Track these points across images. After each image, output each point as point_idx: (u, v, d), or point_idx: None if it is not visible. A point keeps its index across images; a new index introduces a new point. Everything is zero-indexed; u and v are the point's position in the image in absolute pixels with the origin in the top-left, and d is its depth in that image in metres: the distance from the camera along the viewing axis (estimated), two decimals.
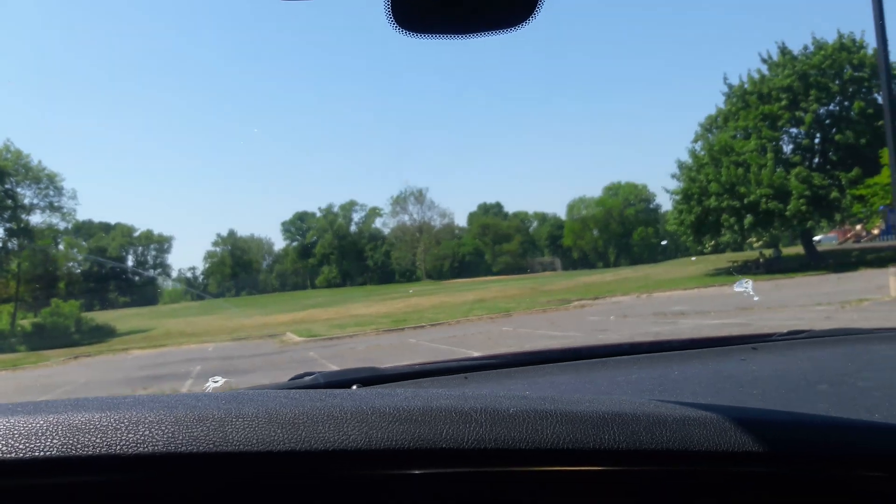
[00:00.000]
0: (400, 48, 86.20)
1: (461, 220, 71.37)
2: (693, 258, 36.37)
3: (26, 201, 38.90)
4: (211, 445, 0.56)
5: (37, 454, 0.55)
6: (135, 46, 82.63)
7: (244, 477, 0.57)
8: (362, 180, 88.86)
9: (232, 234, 67.08)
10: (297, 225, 69.44)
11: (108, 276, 52.05)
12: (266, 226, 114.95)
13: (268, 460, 0.56)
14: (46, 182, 39.47)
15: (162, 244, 59.85)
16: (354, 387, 1.19)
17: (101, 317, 33.30)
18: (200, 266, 67.20)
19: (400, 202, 63.59)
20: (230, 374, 10.98)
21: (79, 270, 47.76)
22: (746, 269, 28.05)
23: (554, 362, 1.40)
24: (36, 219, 39.77)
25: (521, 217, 72.23)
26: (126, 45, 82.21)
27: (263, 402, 0.62)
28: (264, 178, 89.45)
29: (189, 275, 66.18)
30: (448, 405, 0.62)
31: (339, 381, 1.25)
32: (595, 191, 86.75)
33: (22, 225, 38.37)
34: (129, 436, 0.56)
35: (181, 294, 60.60)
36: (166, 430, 0.57)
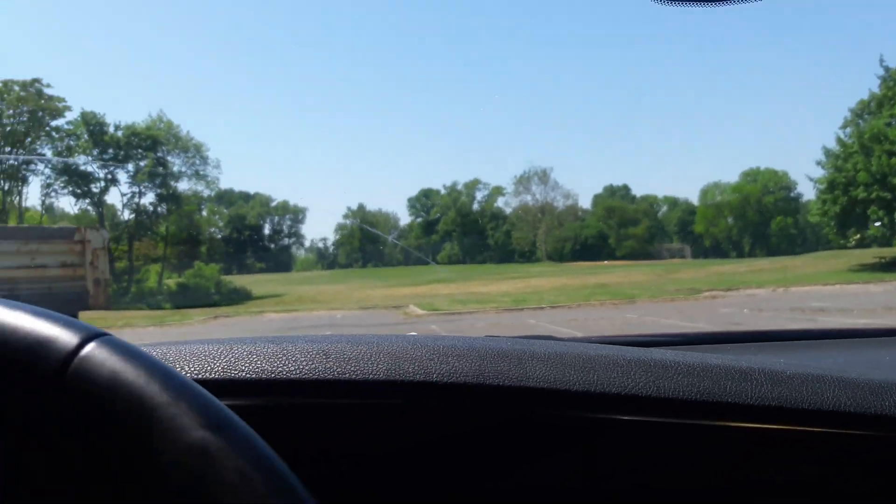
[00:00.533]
0: (525, 26, 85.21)
1: (585, 202, 70.08)
2: (836, 251, 33.98)
3: (175, 169, 42.01)
4: (513, 380, 0.61)
5: (368, 377, 0.61)
6: (281, 23, 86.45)
7: (539, 412, 0.61)
8: (486, 158, 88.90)
9: (361, 207, 69.31)
10: (422, 201, 70.67)
11: (246, 243, 55.31)
12: (393, 201, 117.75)
13: (562, 398, 0.60)
14: (193, 151, 42.42)
15: (297, 214, 62.72)
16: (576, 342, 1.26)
17: (238, 280, 35.40)
18: (331, 237, 70.06)
19: (523, 181, 63.28)
20: None
21: (220, 236, 51.10)
22: (894, 267, 25.93)
23: (748, 342, 1.40)
24: (183, 186, 42.86)
25: (650, 201, 69.93)
26: (275, 20, 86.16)
27: (549, 347, 0.68)
28: (393, 153, 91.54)
29: (320, 245, 69.11)
30: (724, 363, 0.66)
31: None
32: (731, 176, 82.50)
33: (171, 191, 41.51)
34: (442, 366, 0.62)
35: (313, 263, 63.49)
36: (473, 363, 0.62)
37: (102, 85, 71.00)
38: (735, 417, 0.61)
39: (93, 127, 39.93)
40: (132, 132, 40.62)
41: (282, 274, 49.99)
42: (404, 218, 73.32)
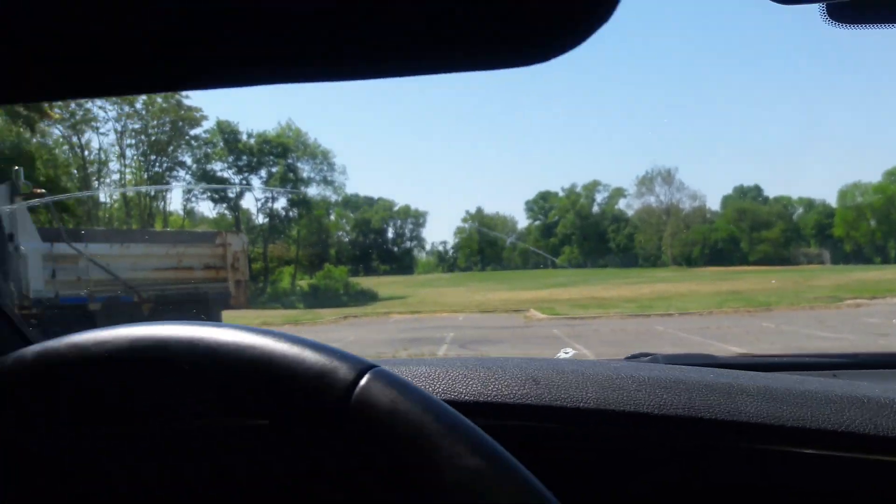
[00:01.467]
0: (644, 20, 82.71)
1: (714, 204, 67.15)
2: None
3: (304, 175, 44.09)
4: (725, 414, 0.61)
5: (579, 405, 0.63)
6: None
7: (747, 447, 0.60)
8: (606, 159, 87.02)
9: (479, 211, 69.75)
10: (540, 204, 70.17)
11: (371, 246, 57.05)
12: (511, 204, 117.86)
13: (775, 434, 0.60)
14: (321, 158, 44.42)
15: (418, 218, 64.05)
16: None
17: (365, 282, 36.53)
18: (451, 240, 71.00)
19: (646, 183, 61.43)
20: (481, 344, 11.56)
21: (347, 239, 53.07)
22: None
23: None
24: (312, 191, 44.94)
25: (784, 202, 65.97)
26: None
27: (753, 379, 0.67)
28: (510, 156, 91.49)
29: (440, 248, 70.18)
30: (870, 394, 0.64)
31: (683, 364, 1.26)
32: (873, 175, 76.52)
33: (301, 196, 43.58)
34: (650, 397, 0.63)
35: (433, 265, 64.53)
36: (682, 395, 0.63)
37: (235, 94, 75.52)
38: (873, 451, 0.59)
39: (227, 135, 42.57)
40: (264, 140, 42.98)
41: (404, 276, 51.17)
42: (522, 221, 73.08)
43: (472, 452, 0.39)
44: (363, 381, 0.42)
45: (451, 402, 0.61)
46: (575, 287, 31.18)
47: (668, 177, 60.50)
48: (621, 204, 65.52)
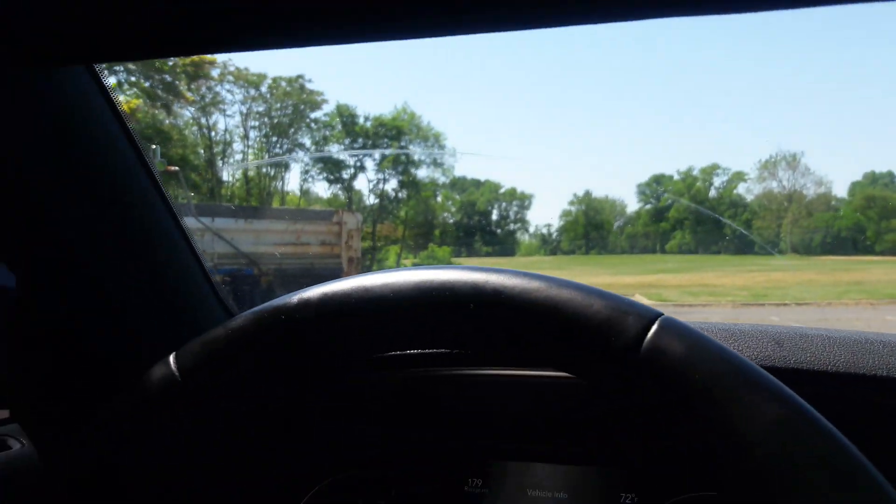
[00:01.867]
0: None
1: (840, 191, 63.06)
2: None
3: (415, 157, 44.83)
4: (878, 369, 0.65)
5: (828, 368, 0.66)
6: None
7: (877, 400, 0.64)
8: (728, 142, 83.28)
9: (587, 194, 68.50)
10: (653, 188, 68.12)
11: (475, 228, 57.38)
12: (621, 187, 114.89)
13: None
14: (433, 141, 45.04)
15: (523, 201, 63.72)
16: None
17: (466, 263, 36.76)
18: (555, 223, 70.22)
19: (769, 167, 58.40)
20: None
21: (451, 221, 53.62)
22: None
23: None
24: (422, 173, 45.67)
25: None
26: None
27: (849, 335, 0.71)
28: (623, 138, 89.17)
29: (544, 230, 69.57)
30: None
31: None
32: None
33: (411, 178, 44.37)
34: (823, 354, 0.67)
35: (536, 248, 64.16)
36: (846, 351, 0.67)
37: (355, 79, 77.41)
38: None
39: (346, 119, 43.81)
40: (380, 123, 43.97)
41: (507, 258, 51.15)
42: (632, 205, 71.25)
43: (773, 402, 0.38)
44: (654, 329, 0.42)
45: (791, 370, 0.68)
46: (685, 273, 30.25)
47: (793, 161, 57.31)
48: (741, 188, 62.68)
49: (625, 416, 0.69)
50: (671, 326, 0.42)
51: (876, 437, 0.63)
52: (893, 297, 17.37)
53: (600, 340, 0.42)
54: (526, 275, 0.47)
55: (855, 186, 61.91)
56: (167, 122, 32.81)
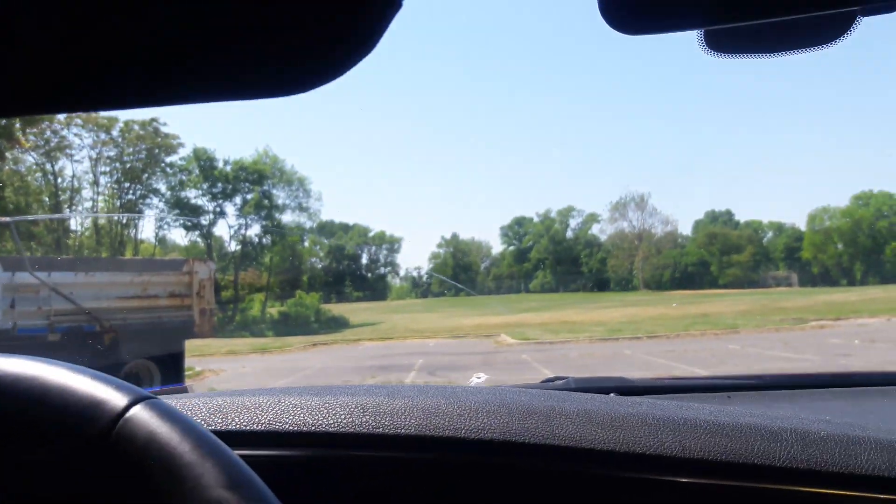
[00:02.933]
0: (614, 48, 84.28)
1: (685, 228, 67.89)
2: None
3: (279, 202, 43.98)
4: (540, 438, 0.62)
5: (399, 432, 0.64)
6: (373, 59, 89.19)
7: (566, 470, 0.61)
8: (581, 184, 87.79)
9: (455, 236, 69.94)
10: (515, 230, 70.56)
11: (345, 272, 56.84)
12: (485, 229, 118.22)
13: (589, 457, 0.61)
14: (297, 185, 44.42)
15: (392, 244, 64.01)
16: (612, 394, 1.26)
17: (336, 309, 36.38)
18: (425, 266, 70.97)
19: (619, 208, 62.10)
20: (450, 371, 11.56)
21: (320, 266, 52.82)
22: None
23: (824, 387, 1.33)
24: (287, 218, 44.85)
25: (754, 226, 67.01)
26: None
27: (580, 402, 0.68)
28: (486, 182, 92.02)
29: (415, 273, 70.09)
30: (754, 422, 0.65)
31: (593, 388, 1.29)
32: (842, 200, 77.84)
33: (275, 223, 43.45)
34: (471, 422, 0.63)
35: (407, 291, 64.38)
36: (502, 420, 0.63)
37: (212, 121, 75.29)
38: (759, 480, 0.59)
39: (203, 162, 42.36)
40: (240, 167, 42.84)
41: (378, 302, 51.00)
42: (496, 246, 73.32)
43: (220, 484, 0.39)
44: (131, 412, 0.42)
45: (274, 433, 0.64)
46: (547, 311, 31.32)
47: (641, 202, 61.30)
48: (595, 229, 66.20)
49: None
50: (152, 407, 0.43)
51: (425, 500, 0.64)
52: (735, 327, 18.75)
53: (81, 423, 0.42)
54: (31, 360, 0.47)
55: (698, 224, 67.14)
56: (7, 168, 30.36)
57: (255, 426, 0.65)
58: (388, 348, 18.00)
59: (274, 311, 35.77)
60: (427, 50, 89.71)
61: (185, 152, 42.01)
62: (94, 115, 36.00)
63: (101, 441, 0.42)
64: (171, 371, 10.13)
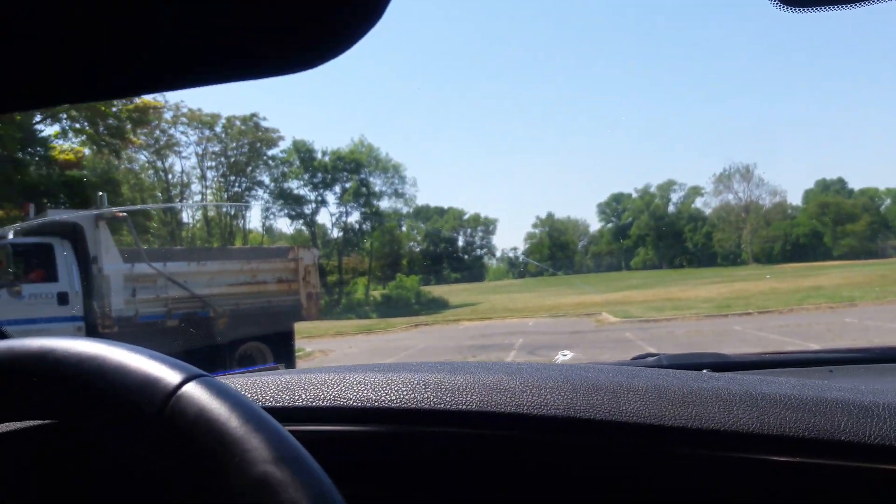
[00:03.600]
0: (715, 11, 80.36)
1: (795, 199, 64.43)
2: None
3: (376, 189, 44.92)
4: (606, 414, 0.60)
5: (461, 407, 0.64)
6: (466, 39, 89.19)
7: (633, 447, 0.60)
8: (681, 158, 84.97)
9: (550, 216, 69.22)
10: (612, 206, 69.09)
11: (442, 255, 57.44)
12: (582, 207, 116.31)
13: (657, 434, 0.59)
14: (392, 171, 45.23)
15: (488, 226, 64.08)
16: (704, 371, 1.18)
17: (436, 290, 36.87)
18: (521, 246, 70.69)
19: (723, 180, 59.61)
20: (551, 349, 11.49)
21: (418, 249, 53.63)
22: None
23: None
24: (384, 204, 45.74)
25: (870, 194, 62.73)
26: (459, 39, 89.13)
27: (649, 378, 0.67)
28: (580, 160, 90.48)
29: (511, 254, 69.94)
30: (842, 397, 0.61)
31: (686, 364, 1.25)
32: None
33: (374, 209, 44.40)
34: (533, 398, 0.63)
35: (504, 272, 64.39)
36: (566, 396, 0.63)
37: (310, 113, 77.52)
38: (850, 457, 0.56)
39: (303, 154, 43.76)
40: (337, 157, 44.00)
41: (475, 284, 51.27)
42: (594, 224, 72.06)
43: (267, 460, 0.40)
44: (183, 389, 0.43)
45: (338, 409, 0.65)
46: (650, 288, 30.55)
47: (746, 173, 58.63)
48: (698, 202, 63.87)
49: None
50: (205, 385, 0.44)
51: (489, 476, 0.64)
52: (852, 300, 17.69)
53: (136, 401, 0.44)
54: (91, 341, 0.48)
55: (808, 194, 63.48)
56: (122, 167, 32.41)
57: (319, 402, 0.66)
58: (488, 328, 18.08)
59: (377, 293, 36.66)
60: (519, 27, 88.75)
61: (285, 145, 43.45)
62: (197, 112, 37.89)
63: (156, 417, 0.43)
64: (283, 352, 10.58)
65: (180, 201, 41.18)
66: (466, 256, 62.49)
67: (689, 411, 0.60)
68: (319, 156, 44.24)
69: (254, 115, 39.67)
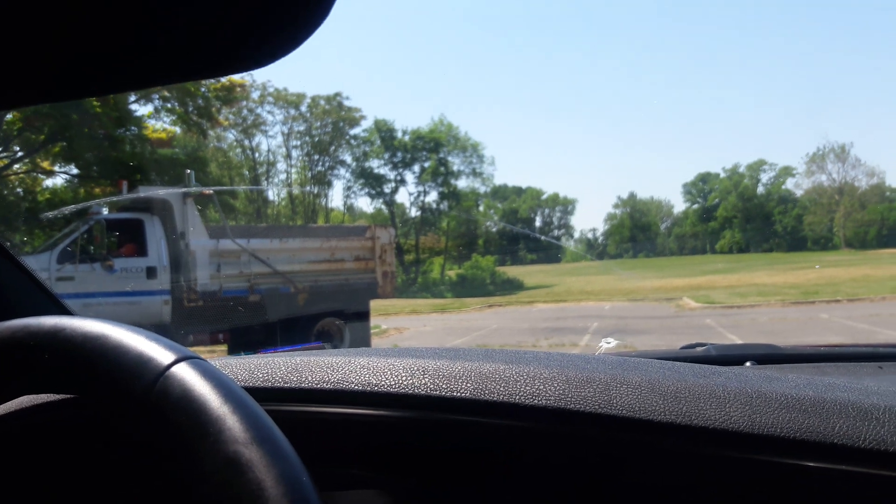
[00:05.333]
0: None
1: (894, 181, 60.75)
2: None
3: (455, 168, 45.03)
4: (596, 406, 0.61)
5: (455, 395, 0.66)
6: (546, 19, 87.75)
7: (620, 438, 0.61)
8: (772, 137, 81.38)
9: (632, 196, 67.79)
10: (699, 187, 66.92)
11: (518, 236, 57.17)
12: (667, 187, 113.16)
13: (646, 428, 0.60)
14: (471, 150, 45.18)
15: (566, 206, 63.39)
16: (748, 364, 1.19)
17: (511, 271, 36.75)
18: (600, 227, 69.57)
19: (817, 160, 56.69)
20: (625, 334, 11.33)
21: (494, 229, 53.52)
22: None
23: None
24: (461, 183, 45.82)
25: None
26: (540, 17, 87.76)
27: (647, 372, 0.67)
28: (666, 138, 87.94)
29: (589, 235, 68.98)
30: (843, 398, 0.61)
31: (733, 357, 1.25)
32: None
33: (451, 189, 44.52)
34: (526, 388, 0.64)
35: (582, 254, 63.58)
36: (558, 387, 0.64)
37: (391, 93, 78.17)
38: (843, 460, 0.55)
39: (384, 133, 44.25)
40: (417, 136, 44.29)
41: (552, 265, 50.78)
42: (678, 205, 70.05)
43: (239, 440, 0.41)
44: (172, 369, 0.45)
45: (340, 392, 0.68)
46: (734, 273, 29.54)
47: (841, 153, 55.58)
48: (789, 183, 61.08)
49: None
50: (193, 366, 0.46)
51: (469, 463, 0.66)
52: None
53: (128, 377, 0.46)
54: (96, 321, 0.50)
55: None
56: (211, 145, 33.62)
57: (324, 385, 0.69)
58: (562, 311, 17.93)
59: (452, 273, 36.86)
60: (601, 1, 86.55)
61: (366, 124, 44.02)
62: (283, 91, 38.84)
63: (144, 395, 0.45)
64: (358, 329, 10.85)
65: (266, 180, 42.46)
66: (543, 237, 62.06)
67: (681, 407, 0.60)
68: (400, 135, 44.66)
69: (337, 94, 40.38)
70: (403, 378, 0.68)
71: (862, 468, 0.54)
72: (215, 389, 0.44)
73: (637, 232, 63.40)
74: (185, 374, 0.45)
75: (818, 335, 10.32)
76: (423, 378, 0.68)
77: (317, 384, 0.69)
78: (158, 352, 0.47)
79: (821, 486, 0.56)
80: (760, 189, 62.34)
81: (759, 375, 0.69)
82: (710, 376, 0.67)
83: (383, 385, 0.68)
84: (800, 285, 20.79)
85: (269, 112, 39.81)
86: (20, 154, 18.20)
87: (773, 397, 0.60)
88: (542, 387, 0.64)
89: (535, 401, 0.63)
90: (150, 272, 9.34)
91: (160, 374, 0.45)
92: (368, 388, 0.68)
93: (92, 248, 9.20)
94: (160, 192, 10.69)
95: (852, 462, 0.55)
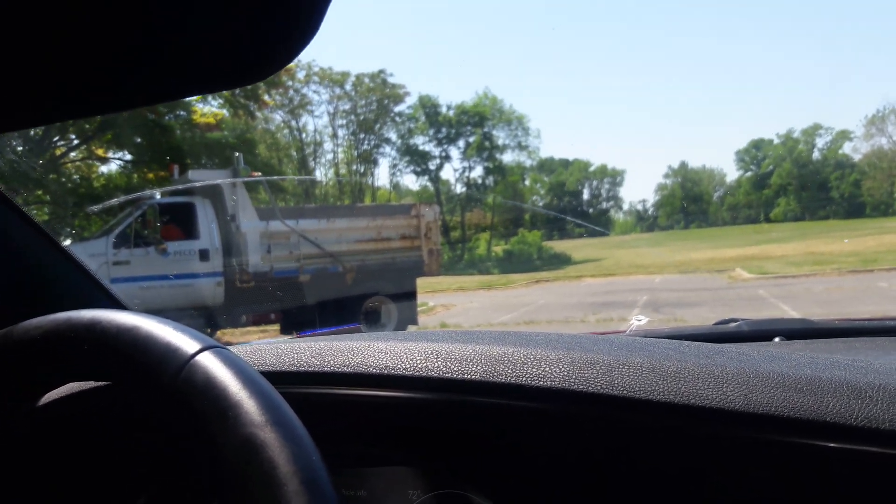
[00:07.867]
0: None
1: None
2: None
3: (500, 142, 44.74)
4: (598, 387, 0.64)
5: (466, 377, 0.68)
6: None
7: (622, 418, 0.63)
8: (828, 100, 78.39)
9: (683, 165, 66.30)
10: (752, 154, 64.99)
11: (567, 209, 56.64)
12: (718, 155, 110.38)
13: (645, 408, 0.62)
14: (516, 124, 44.79)
15: (615, 178, 62.32)
16: (777, 339, 1.20)
17: (558, 246, 36.42)
18: (650, 198, 68.42)
19: (876, 122, 54.32)
20: (676, 307, 11.19)
21: (541, 203, 53.19)
22: None
23: None
24: (507, 157, 45.52)
25: None
26: None
27: (651, 353, 0.69)
28: (716, 104, 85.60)
29: (639, 207, 67.89)
30: (839, 376, 0.62)
31: (763, 332, 1.25)
32: None
33: (496, 163, 44.31)
34: (534, 370, 0.67)
35: (631, 226, 62.64)
36: (563, 369, 0.66)
37: (435, 68, 77.83)
38: (835, 438, 0.56)
39: (428, 109, 44.13)
40: (462, 111, 44.07)
41: (600, 238, 50.22)
42: (731, 173, 68.28)
43: (254, 423, 0.44)
44: (197, 358, 0.49)
45: (359, 375, 0.72)
46: (790, 242, 28.76)
47: None
48: (846, 148, 58.83)
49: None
50: (217, 355, 0.49)
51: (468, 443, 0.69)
52: None
53: (155, 367, 0.49)
54: (128, 313, 0.54)
55: None
56: (259, 127, 34.09)
57: (345, 368, 0.73)
58: (611, 285, 17.75)
59: (498, 249, 36.76)
60: None
61: (411, 101, 43.96)
62: (328, 70, 39.01)
63: (171, 384, 0.48)
64: (406, 307, 10.96)
65: (313, 160, 42.87)
66: (592, 210, 61.25)
67: (679, 387, 0.62)
68: (444, 110, 44.49)
69: (381, 71, 40.31)
70: (418, 361, 0.71)
71: (855, 446, 0.55)
72: (235, 376, 0.47)
73: (689, 202, 62.12)
74: (208, 362, 0.48)
75: (875, 304, 10.01)
76: (437, 361, 0.71)
77: (338, 368, 0.73)
78: (184, 342, 0.50)
79: (815, 464, 0.57)
80: (816, 154, 60.26)
81: (767, 354, 0.70)
82: (712, 356, 0.68)
83: (399, 368, 0.71)
84: (858, 253, 20.13)
85: (314, 92, 40.03)
86: (76, 142, 18.75)
87: (770, 377, 0.62)
88: (547, 368, 0.67)
89: (541, 382, 0.66)
90: (203, 255, 9.58)
91: (185, 362, 0.48)
92: (385, 372, 0.71)
93: (146, 232, 9.48)
94: (210, 175, 10.91)
95: (845, 440, 0.56)
